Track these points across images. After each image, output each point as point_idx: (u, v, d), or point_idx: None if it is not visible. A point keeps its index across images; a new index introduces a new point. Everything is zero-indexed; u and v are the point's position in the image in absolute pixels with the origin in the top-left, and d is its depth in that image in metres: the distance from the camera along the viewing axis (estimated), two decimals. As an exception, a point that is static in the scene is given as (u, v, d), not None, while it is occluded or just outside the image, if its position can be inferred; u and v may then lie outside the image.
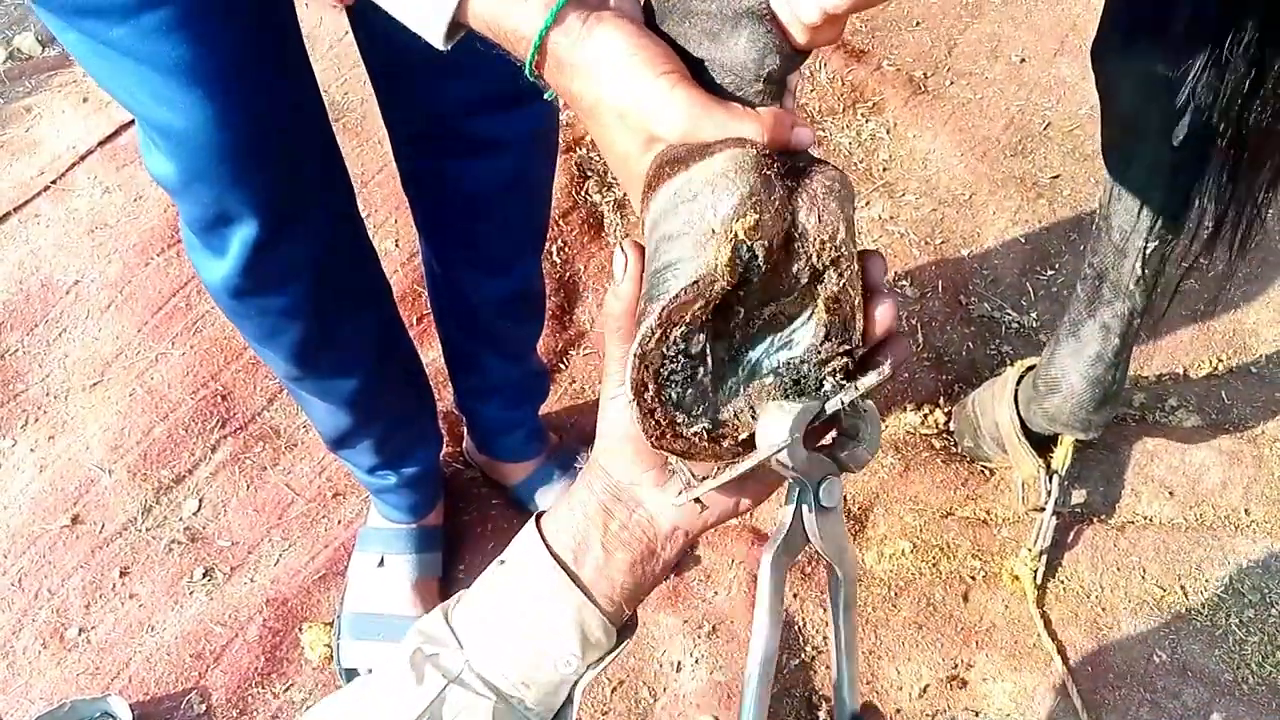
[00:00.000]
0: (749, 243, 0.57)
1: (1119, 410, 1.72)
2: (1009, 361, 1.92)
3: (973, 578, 1.66)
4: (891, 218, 2.11)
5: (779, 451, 0.61)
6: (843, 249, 0.60)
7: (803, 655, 1.60)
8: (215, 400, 1.84)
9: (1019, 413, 1.67)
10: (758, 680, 0.68)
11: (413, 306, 1.94)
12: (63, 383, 1.87)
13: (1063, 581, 1.66)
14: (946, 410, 1.87)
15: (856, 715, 0.72)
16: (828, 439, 0.67)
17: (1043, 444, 1.68)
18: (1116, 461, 1.78)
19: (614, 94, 0.62)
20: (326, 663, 1.59)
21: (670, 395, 0.60)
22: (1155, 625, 1.61)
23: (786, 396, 0.62)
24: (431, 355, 1.81)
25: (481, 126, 1.21)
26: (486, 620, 0.68)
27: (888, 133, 2.25)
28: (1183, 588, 1.64)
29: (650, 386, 0.59)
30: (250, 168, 1.03)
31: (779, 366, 0.62)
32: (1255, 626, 1.61)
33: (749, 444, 0.63)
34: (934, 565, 1.68)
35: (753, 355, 0.63)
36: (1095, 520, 1.72)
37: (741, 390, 0.62)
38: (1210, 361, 1.93)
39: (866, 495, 1.75)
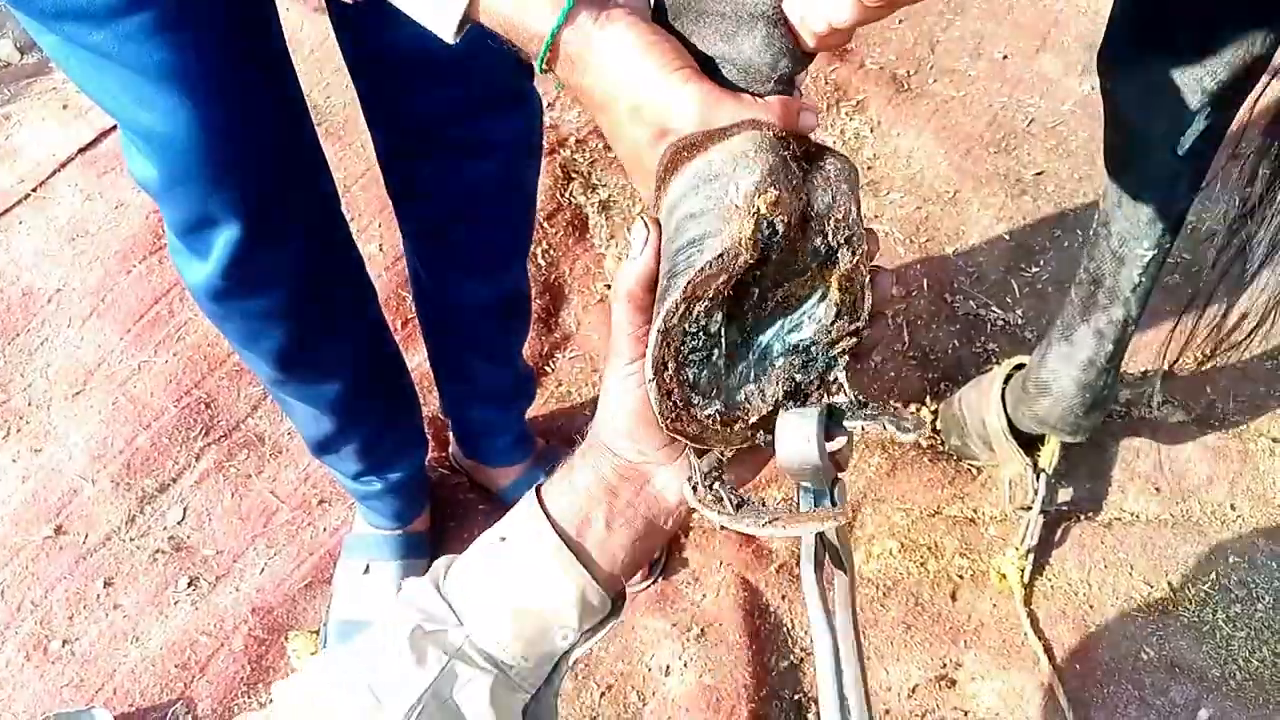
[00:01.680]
0: (770, 218, 0.59)
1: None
2: (995, 359, 1.92)
3: (960, 577, 1.66)
4: (876, 216, 2.10)
5: (823, 503, 0.63)
6: (855, 228, 0.62)
7: (791, 657, 1.60)
8: (198, 408, 1.83)
9: (1006, 412, 1.67)
10: (833, 683, 0.68)
11: (397, 311, 1.93)
12: (45, 392, 1.86)
13: (1050, 579, 1.66)
14: (933, 409, 1.86)
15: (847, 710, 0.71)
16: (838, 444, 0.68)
17: (1030, 442, 1.68)
18: (1103, 458, 1.78)
19: (627, 89, 0.64)
20: (313, 671, 1.57)
21: (687, 375, 0.61)
22: (1143, 622, 1.61)
23: (794, 380, 0.64)
24: (417, 360, 1.80)
25: (467, 131, 1.21)
26: (487, 595, 0.68)
27: (871, 131, 2.25)
28: (1170, 584, 1.65)
29: (670, 365, 0.60)
30: (233, 171, 1.02)
31: (789, 349, 0.64)
32: (1242, 622, 1.61)
33: (758, 426, 0.64)
34: (922, 564, 1.68)
35: (763, 339, 0.64)
36: (1082, 517, 1.73)
37: (753, 373, 0.64)
38: (1195, 357, 1.93)
39: (854, 495, 1.75)
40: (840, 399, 0.65)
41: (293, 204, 1.12)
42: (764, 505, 0.65)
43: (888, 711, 1.56)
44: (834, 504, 0.67)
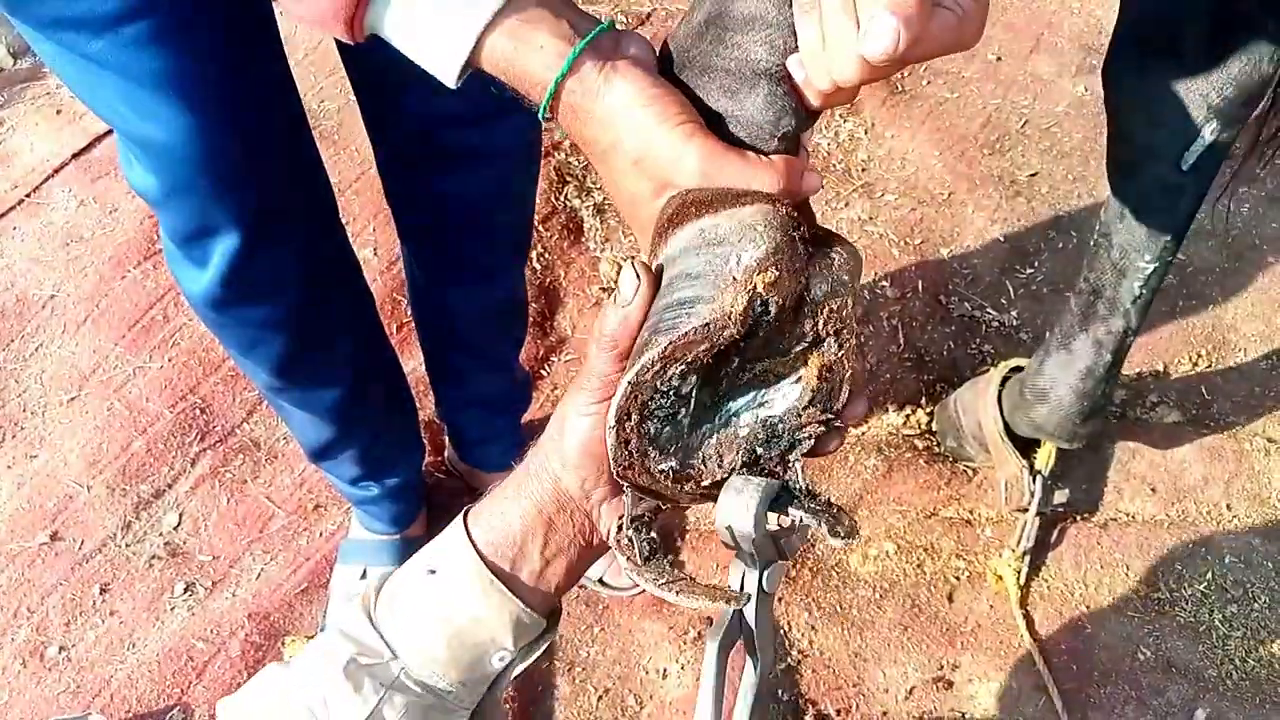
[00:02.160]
0: (765, 296, 0.58)
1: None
2: (990, 360, 1.92)
3: (957, 578, 1.67)
4: (870, 218, 2.11)
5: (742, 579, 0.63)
6: (847, 321, 0.61)
7: (788, 660, 1.60)
8: (194, 413, 1.82)
9: (1002, 414, 1.67)
10: None
11: (392, 315, 1.93)
12: (40, 398, 1.85)
13: (1046, 580, 1.66)
14: (929, 410, 1.87)
15: None
16: (778, 523, 0.66)
17: (1026, 444, 1.68)
18: (1099, 459, 1.79)
19: (630, 142, 0.63)
20: (310, 676, 1.57)
21: (649, 429, 0.60)
22: (1139, 622, 1.62)
23: (755, 453, 0.63)
24: (412, 365, 1.80)
25: (466, 138, 1.21)
26: (420, 628, 0.68)
27: (865, 133, 2.25)
28: (1166, 584, 1.65)
29: (633, 416, 0.59)
30: (232, 179, 1.02)
31: (756, 422, 0.63)
32: (1238, 622, 1.62)
33: (709, 490, 0.64)
34: (918, 566, 1.68)
35: (733, 406, 0.63)
36: (1078, 518, 1.73)
37: (715, 437, 0.63)
38: (1190, 358, 1.94)
39: (850, 497, 1.75)
40: (793, 481, 0.64)
41: (292, 212, 1.12)
42: (671, 567, 0.65)
43: (885, 714, 1.56)
44: (760, 587, 0.65)
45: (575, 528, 0.68)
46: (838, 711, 1.56)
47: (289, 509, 1.74)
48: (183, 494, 1.75)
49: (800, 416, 0.63)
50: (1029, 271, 2.04)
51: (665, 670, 1.59)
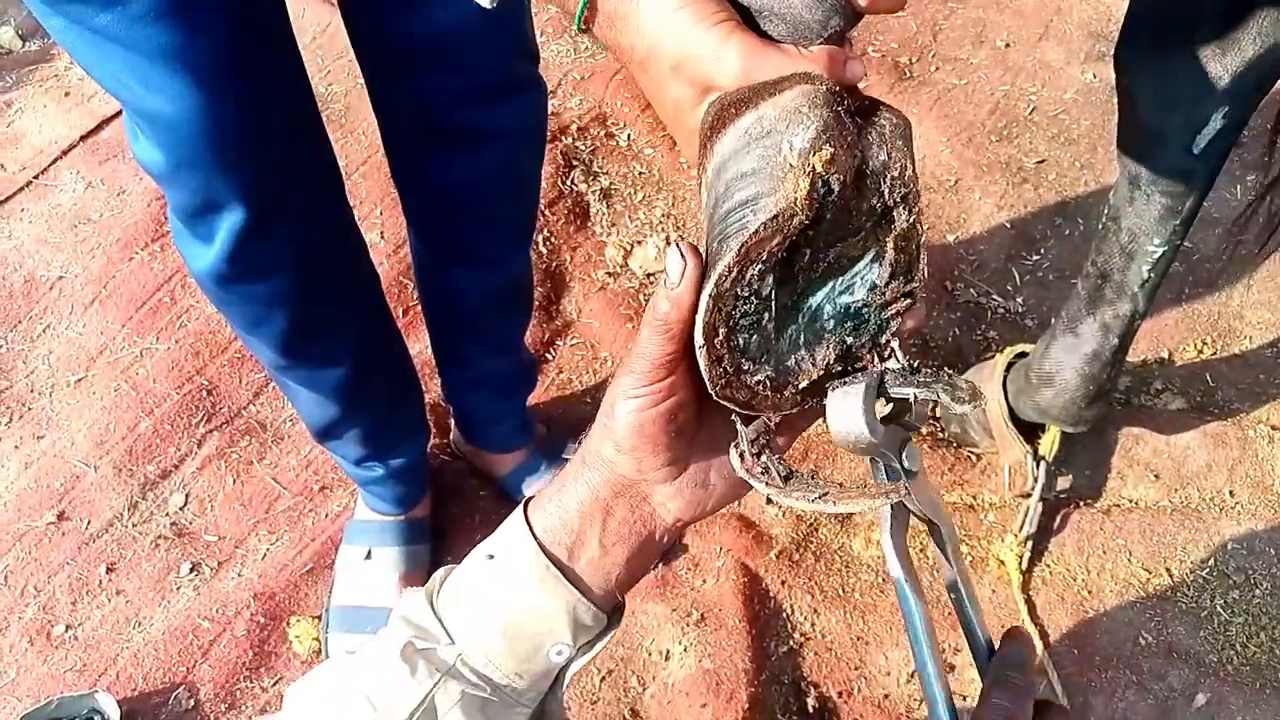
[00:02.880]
0: (826, 176, 0.57)
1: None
2: (995, 347, 1.92)
3: (960, 563, 1.67)
4: (877, 204, 2.10)
5: (883, 478, 0.62)
6: (911, 186, 0.60)
7: (791, 642, 1.61)
8: (200, 395, 1.83)
9: (1007, 400, 1.67)
10: (926, 647, 0.65)
11: (399, 298, 1.93)
12: (47, 379, 1.86)
13: (1049, 566, 1.67)
14: (933, 396, 1.87)
15: (993, 647, 0.70)
16: (892, 410, 0.65)
17: (1030, 430, 1.69)
18: (1102, 445, 1.79)
19: (668, 45, 0.62)
20: (315, 656, 1.58)
21: (738, 341, 0.59)
22: (1141, 608, 1.62)
23: (846, 344, 0.62)
24: (419, 347, 1.81)
25: (472, 118, 1.21)
26: (477, 615, 0.67)
27: (873, 119, 2.25)
28: (1168, 570, 1.65)
29: (720, 331, 0.58)
30: (238, 155, 1.02)
31: (840, 311, 0.62)
32: (1240, 608, 1.62)
33: (809, 392, 0.63)
34: (921, 550, 1.68)
35: (814, 301, 0.62)
36: (1081, 504, 1.73)
37: (803, 337, 0.62)
38: (1195, 345, 1.94)
39: (851, 481, 1.75)
40: (892, 364, 0.63)
41: (298, 188, 1.12)
42: (813, 479, 0.63)
43: (886, 696, 1.56)
44: (902, 474, 0.64)
45: (634, 514, 0.67)
46: (840, 694, 1.57)
47: (295, 490, 1.75)
48: (189, 475, 1.76)
49: (885, 294, 0.62)
50: (1035, 258, 2.04)
51: (668, 651, 1.59)
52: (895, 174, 0.60)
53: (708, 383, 0.59)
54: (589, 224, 2.08)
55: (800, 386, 0.62)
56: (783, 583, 1.65)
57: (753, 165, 0.58)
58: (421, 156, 1.28)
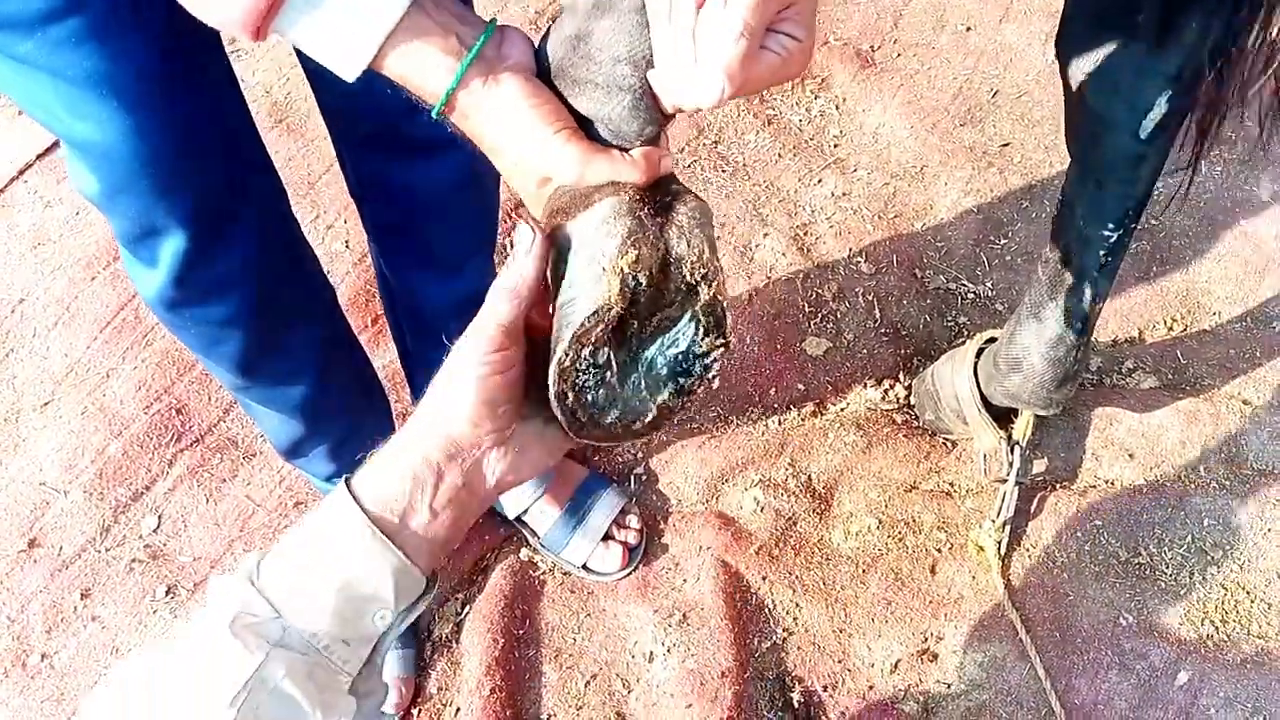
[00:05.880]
0: (634, 274, 0.69)
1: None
2: (967, 332, 1.92)
3: (939, 550, 1.67)
4: (844, 194, 2.10)
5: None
6: (709, 265, 0.72)
7: (774, 638, 1.60)
8: (170, 414, 1.81)
9: (979, 385, 1.67)
10: None
11: (366, 308, 1.92)
12: (13, 404, 1.84)
13: (1028, 550, 1.67)
14: (906, 384, 1.87)
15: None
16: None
17: (1003, 415, 1.69)
18: (1076, 427, 1.79)
19: (513, 146, 0.73)
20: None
21: (587, 398, 0.72)
22: (1120, 588, 1.62)
23: (679, 382, 0.75)
24: (388, 357, 1.79)
25: (427, 126, 1.19)
26: (303, 585, 0.69)
27: (837, 108, 2.24)
28: (1146, 549, 1.66)
29: (570, 395, 0.71)
30: (174, 179, 1.00)
31: (670, 361, 0.75)
32: (1217, 584, 1.63)
33: (654, 424, 0.76)
34: (900, 540, 1.68)
35: (648, 354, 0.74)
36: (1057, 487, 1.74)
37: (644, 383, 0.74)
38: (1165, 322, 1.94)
39: (831, 473, 1.75)
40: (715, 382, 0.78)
41: (240, 208, 1.10)
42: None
43: (871, 687, 1.56)
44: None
45: (465, 478, 0.73)
46: (824, 687, 1.57)
47: (269, 506, 1.73)
48: (161, 496, 1.74)
49: (702, 346, 0.75)
50: (1003, 242, 2.04)
51: (651, 653, 1.59)
52: (694, 259, 0.72)
53: (566, 430, 0.72)
54: (556, 225, 2.07)
55: (647, 420, 0.75)
56: (763, 578, 1.64)
57: (575, 273, 0.70)
58: (377, 167, 1.27)
